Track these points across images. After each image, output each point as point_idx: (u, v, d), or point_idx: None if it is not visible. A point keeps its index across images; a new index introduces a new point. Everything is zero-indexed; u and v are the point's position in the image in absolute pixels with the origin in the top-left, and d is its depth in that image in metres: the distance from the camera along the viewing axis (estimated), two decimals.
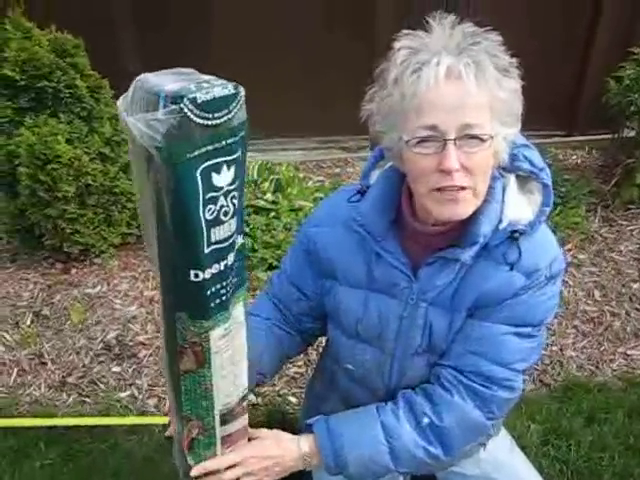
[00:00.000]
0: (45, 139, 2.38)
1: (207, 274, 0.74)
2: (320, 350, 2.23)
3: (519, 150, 0.97)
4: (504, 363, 1.04)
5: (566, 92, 3.91)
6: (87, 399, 2.13)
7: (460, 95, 0.84)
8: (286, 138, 3.87)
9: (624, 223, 3.16)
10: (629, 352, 2.29)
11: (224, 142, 0.69)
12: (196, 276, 0.74)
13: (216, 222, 0.73)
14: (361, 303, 1.10)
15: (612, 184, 3.28)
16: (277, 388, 2.11)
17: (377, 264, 1.06)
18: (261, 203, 2.84)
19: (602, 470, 1.78)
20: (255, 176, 3.10)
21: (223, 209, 0.73)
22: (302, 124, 3.76)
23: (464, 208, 0.91)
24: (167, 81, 0.67)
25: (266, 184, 3.01)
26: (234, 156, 0.72)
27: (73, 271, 2.73)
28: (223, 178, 0.72)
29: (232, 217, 0.75)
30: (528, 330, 1.03)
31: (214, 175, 0.70)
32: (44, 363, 2.27)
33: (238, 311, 0.85)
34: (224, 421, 0.95)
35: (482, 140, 0.87)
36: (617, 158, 3.39)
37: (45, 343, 2.35)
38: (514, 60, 0.90)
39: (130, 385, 2.16)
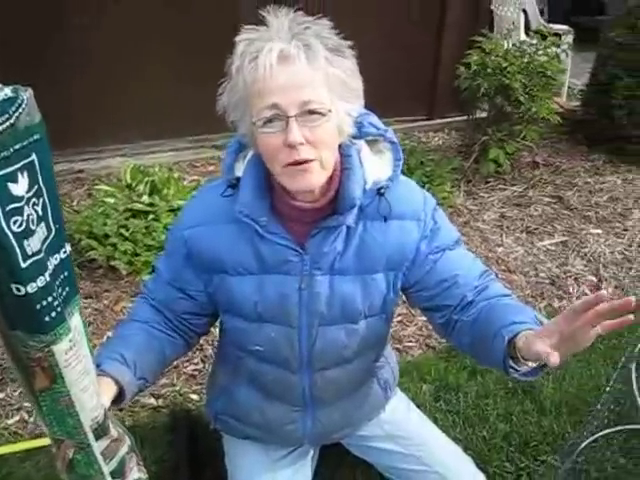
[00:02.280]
0: None
1: (31, 288, 0.70)
2: (216, 344, 2.24)
3: (363, 118, 1.07)
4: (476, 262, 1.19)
5: (424, 80, 4.20)
6: None
7: (294, 75, 0.91)
8: (156, 140, 3.80)
9: (485, 195, 3.45)
10: None
11: (12, 149, 0.65)
12: (18, 290, 0.69)
13: (27, 233, 0.68)
14: (257, 288, 1.12)
15: (471, 161, 3.57)
16: (177, 387, 2.08)
17: (265, 248, 1.09)
18: (138, 206, 2.76)
19: (488, 414, 1.95)
20: (129, 180, 3.00)
21: (30, 218, 0.69)
22: (172, 126, 3.71)
23: (314, 179, 0.98)
24: None
25: (141, 187, 2.92)
26: (27, 160, 0.67)
27: None
28: (22, 186, 0.67)
29: (39, 224, 0.71)
30: (460, 244, 1.18)
31: (11, 185, 0.65)
32: None
33: (76, 321, 0.81)
34: (98, 436, 0.90)
35: (322, 114, 0.94)
36: (473, 137, 3.70)
37: None
38: (346, 42, 0.97)
39: (17, 410, 2.02)
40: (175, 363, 2.14)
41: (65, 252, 0.77)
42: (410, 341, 2.35)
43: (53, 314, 0.74)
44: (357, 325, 1.17)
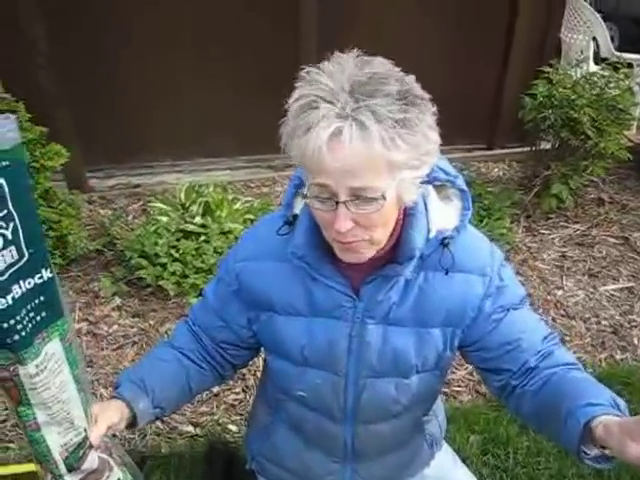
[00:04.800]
0: None
1: None
2: (258, 374, 2.20)
3: None
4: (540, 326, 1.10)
5: (485, 109, 4.10)
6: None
7: (344, 161, 0.81)
8: (212, 158, 3.83)
9: (545, 232, 3.30)
10: None
11: None
12: None
13: None
14: (305, 330, 1.08)
15: (532, 195, 3.43)
16: (216, 417, 2.05)
17: (317, 290, 1.05)
18: (190, 227, 2.77)
19: (539, 474, 1.83)
20: (183, 199, 3.03)
21: None
22: (228, 143, 3.74)
23: (363, 255, 0.94)
24: None
25: (194, 207, 2.94)
26: None
27: None
28: None
29: (5, 248, 0.72)
30: (525, 303, 1.10)
31: None
32: None
33: (53, 348, 0.81)
34: (70, 468, 0.89)
35: (375, 199, 0.85)
36: (535, 170, 3.56)
37: None
38: (419, 97, 0.85)
39: None
40: (216, 391, 2.12)
41: (41, 277, 0.77)
42: (459, 385, 2.24)
43: (16, 337, 0.74)
44: (409, 380, 1.11)
